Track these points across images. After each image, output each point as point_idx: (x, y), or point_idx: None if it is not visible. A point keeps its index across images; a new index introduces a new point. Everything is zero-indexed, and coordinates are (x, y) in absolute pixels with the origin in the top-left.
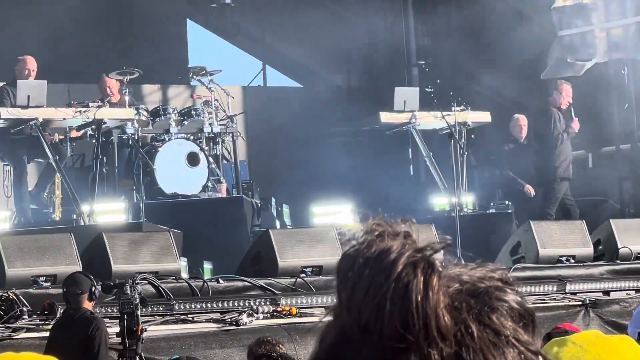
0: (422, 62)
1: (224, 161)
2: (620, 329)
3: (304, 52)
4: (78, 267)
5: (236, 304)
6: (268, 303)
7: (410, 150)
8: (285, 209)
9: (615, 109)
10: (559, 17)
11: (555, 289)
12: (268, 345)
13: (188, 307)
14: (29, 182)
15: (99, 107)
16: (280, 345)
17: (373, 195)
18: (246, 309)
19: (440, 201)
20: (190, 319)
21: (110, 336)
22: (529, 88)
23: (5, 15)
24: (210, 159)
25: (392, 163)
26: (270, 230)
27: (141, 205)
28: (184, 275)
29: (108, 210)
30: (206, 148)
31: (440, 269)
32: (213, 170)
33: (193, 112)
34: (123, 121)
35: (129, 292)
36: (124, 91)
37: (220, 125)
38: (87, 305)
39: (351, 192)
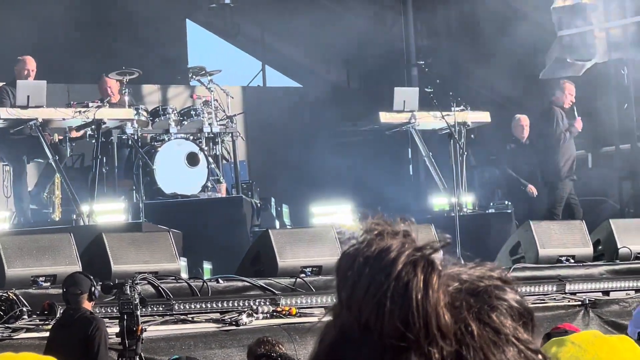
0: (421, 62)
1: (224, 161)
2: (620, 329)
3: (303, 52)
4: (78, 267)
5: (236, 304)
6: (268, 303)
7: (409, 150)
8: (285, 209)
9: (614, 109)
10: (558, 17)
11: (554, 289)
12: (268, 345)
13: (188, 307)
14: (29, 182)
15: (98, 107)
16: (280, 346)
17: (372, 195)
18: (246, 309)
19: (439, 201)
20: (190, 319)
21: (110, 336)
22: (529, 88)
23: (5, 15)
24: (210, 159)
25: (391, 163)
26: (269, 230)
27: (141, 205)
28: (184, 275)
29: (108, 211)
30: (206, 148)
31: (440, 268)
32: (212, 170)
33: (192, 112)
34: (123, 121)
35: (128, 292)
36: (123, 91)
37: (220, 125)
38: (87, 305)
39: (351, 192)
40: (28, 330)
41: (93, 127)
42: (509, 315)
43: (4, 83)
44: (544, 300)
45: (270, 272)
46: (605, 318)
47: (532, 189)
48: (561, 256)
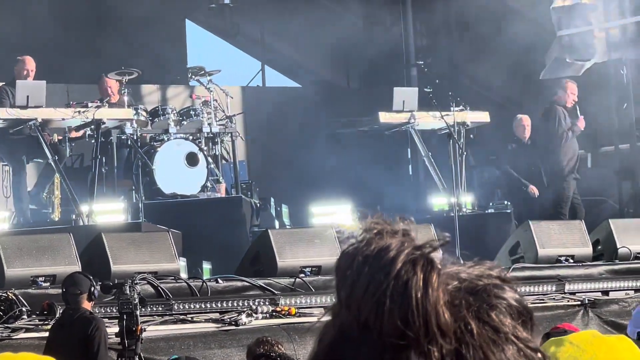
0: (420, 62)
1: (223, 161)
2: (620, 328)
3: (302, 52)
4: (77, 267)
5: (235, 304)
6: (267, 303)
7: (409, 150)
8: (284, 209)
9: (614, 108)
10: (558, 17)
11: (554, 288)
12: (267, 345)
13: (187, 307)
14: (28, 182)
15: (97, 107)
16: (279, 346)
17: (372, 195)
18: (245, 309)
19: (439, 201)
20: (190, 319)
21: (109, 336)
22: (528, 88)
23: (4, 15)
24: (209, 159)
25: (391, 163)
26: (269, 230)
27: (140, 205)
28: (183, 275)
29: (107, 211)
30: (205, 148)
31: (440, 267)
32: (212, 170)
33: (192, 112)
34: (122, 121)
35: (128, 292)
36: (122, 91)
37: (219, 125)
38: (87, 305)
39: (350, 192)
40: (27, 330)
41: (92, 127)
42: (508, 314)
43: (4, 83)
44: (543, 300)
45: (270, 272)
46: (604, 318)
47: (534, 190)
48: (560, 256)
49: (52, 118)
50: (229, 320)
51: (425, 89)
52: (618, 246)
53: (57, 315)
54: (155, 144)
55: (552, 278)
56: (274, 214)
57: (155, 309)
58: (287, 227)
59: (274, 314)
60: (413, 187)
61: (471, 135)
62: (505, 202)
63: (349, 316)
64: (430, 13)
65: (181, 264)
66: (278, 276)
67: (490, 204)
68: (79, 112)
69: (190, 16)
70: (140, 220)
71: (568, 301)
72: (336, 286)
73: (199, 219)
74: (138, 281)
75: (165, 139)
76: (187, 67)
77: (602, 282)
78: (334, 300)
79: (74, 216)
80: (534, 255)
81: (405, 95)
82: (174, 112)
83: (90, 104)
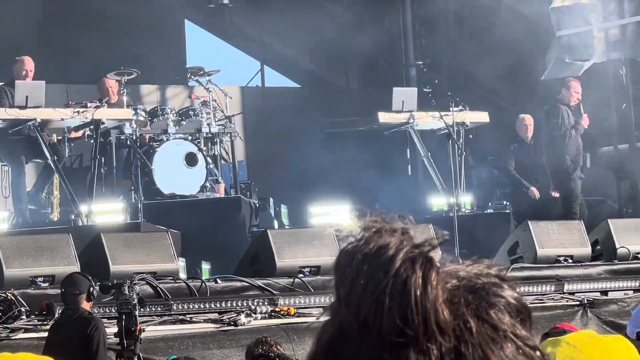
0: (420, 62)
1: (222, 161)
2: (619, 328)
3: (302, 52)
4: (76, 268)
5: (234, 304)
6: (266, 303)
7: (408, 150)
8: (284, 209)
9: (613, 109)
10: (557, 17)
11: (553, 288)
12: (265, 346)
13: (186, 308)
14: (27, 182)
15: (97, 107)
16: (278, 346)
17: (371, 196)
18: (244, 309)
19: (438, 201)
20: (189, 319)
21: (108, 336)
22: (528, 88)
23: (3, 16)
24: (209, 159)
25: (390, 163)
26: (268, 231)
27: (139, 205)
28: (182, 275)
29: (106, 211)
30: (204, 148)
31: (438, 265)
32: (211, 170)
33: (191, 113)
34: (121, 121)
35: (127, 292)
36: (122, 91)
37: (219, 125)
38: (85, 305)
39: (349, 193)
40: (26, 330)
41: (91, 127)
42: (507, 312)
43: (3, 83)
44: (542, 300)
45: (269, 272)
46: (603, 318)
47: (535, 192)
48: (559, 256)
49: (51, 118)
50: (228, 320)
51: (425, 89)
52: (617, 246)
53: (56, 315)
54: (154, 144)
55: (551, 278)
56: (273, 214)
57: (154, 309)
58: (286, 227)
59: (273, 314)
60: (412, 187)
61: (470, 136)
62: (504, 202)
63: (348, 314)
64: (430, 13)
65: (180, 264)
66: (277, 276)
67: (489, 204)
68: (78, 112)
69: (189, 16)
70: (139, 221)
71: (567, 301)
72: (335, 284)
73: (198, 219)
74: (137, 281)
75: (165, 139)
76: (186, 67)
77: (601, 282)
78: (333, 299)
79: (73, 216)
80: (532, 255)
81: (405, 95)
82: (173, 112)
83: (89, 104)
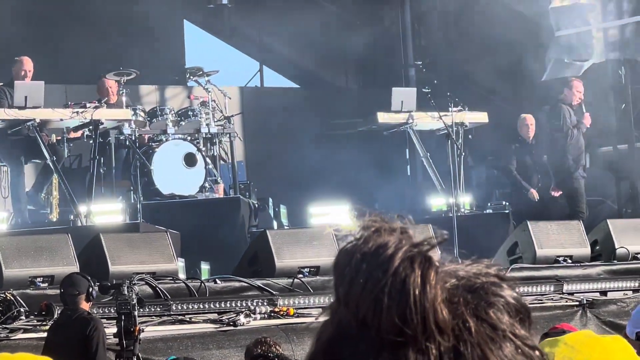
0: (419, 62)
1: (221, 162)
2: (618, 329)
3: (301, 52)
4: (75, 268)
5: (234, 305)
6: (265, 303)
7: (407, 150)
8: (283, 210)
9: (612, 109)
10: (556, 17)
11: (552, 289)
12: (264, 346)
13: (185, 308)
14: (26, 182)
15: (96, 107)
16: (277, 346)
17: (370, 196)
18: (244, 310)
19: (437, 202)
20: (188, 319)
21: (107, 337)
22: (528, 88)
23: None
24: (208, 160)
25: (389, 164)
26: (267, 231)
27: (138, 205)
28: (182, 275)
29: (105, 211)
30: (203, 149)
31: (437, 264)
32: (210, 170)
33: (190, 113)
34: (120, 122)
35: (126, 292)
36: (121, 92)
37: (218, 125)
38: (85, 306)
39: (348, 193)
40: (26, 330)
41: (91, 127)
42: (506, 312)
43: (2, 84)
44: (541, 300)
45: (268, 272)
46: (602, 318)
47: (534, 194)
48: (559, 256)
49: (50, 118)
50: (227, 320)
51: (424, 90)
52: (616, 246)
53: (56, 315)
54: (153, 144)
55: (551, 278)
56: (272, 215)
57: (153, 309)
58: (286, 227)
59: (272, 314)
60: (411, 187)
61: (469, 136)
62: (504, 203)
63: (347, 313)
64: (429, 13)
65: (179, 264)
66: (276, 277)
67: (489, 204)
68: (77, 112)
69: (188, 17)
70: (139, 221)
71: (566, 301)
72: (334, 283)
73: (197, 220)
74: (136, 282)
75: (164, 139)
76: (185, 67)
77: (600, 283)
78: (332, 299)
79: (72, 217)
80: (532, 255)
81: (404, 95)
82: (172, 112)
83: (88, 105)
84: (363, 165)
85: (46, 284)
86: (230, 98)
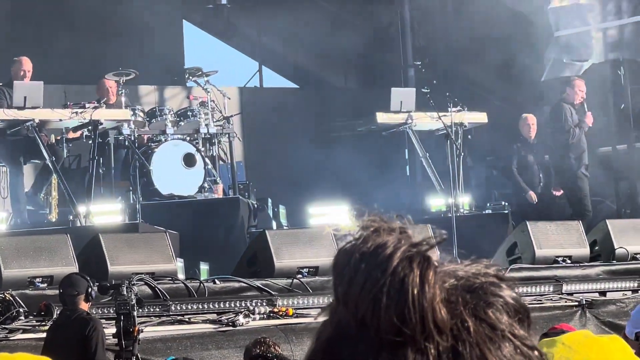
0: (418, 62)
1: (220, 162)
2: (617, 329)
3: (300, 52)
4: (74, 268)
5: (233, 305)
6: (264, 304)
7: (406, 151)
8: (282, 210)
9: (611, 109)
10: (555, 17)
11: (551, 289)
12: (263, 346)
13: (184, 308)
14: (26, 183)
15: (95, 108)
16: (277, 347)
17: (369, 196)
18: (243, 310)
19: (436, 202)
20: (187, 319)
21: (106, 337)
22: (527, 88)
23: (1, 16)
24: (207, 160)
25: (388, 164)
26: (266, 231)
27: (137, 206)
28: (181, 276)
29: (104, 211)
30: (202, 149)
31: (436, 264)
32: (209, 171)
33: (189, 113)
34: (119, 122)
35: (125, 293)
36: (120, 92)
37: (217, 126)
38: (84, 306)
39: (347, 193)
40: (25, 331)
41: (90, 128)
42: (505, 312)
43: (1, 84)
44: (540, 300)
45: (267, 272)
46: (602, 318)
47: (533, 196)
48: (558, 257)
49: (49, 119)
50: (226, 321)
51: (423, 90)
52: (615, 247)
53: (55, 316)
54: (152, 144)
55: (550, 279)
56: (271, 215)
57: (152, 309)
58: (285, 227)
59: (271, 314)
60: (410, 187)
61: (469, 136)
62: (503, 203)
63: (346, 313)
64: (428, 13)
65: (178, 264)
66: (275, 277)
67: (488, 204)
68: (76, 112)
69: (187, 17)
70: (138, 221)
71: (565, 302)
72: (333, 283)
73: (197, 220)
74: (135, 282)
75: (163, 139)
76: (184, 68)
77: (599, 283)
78: (331, 299)
79: (71, 217)
80: (531, 255)
81: (403, 95)
82: (172, 113)
83: (87, 105)
84: (362, 166)
85: (45, 284)
86: (229, 98)
